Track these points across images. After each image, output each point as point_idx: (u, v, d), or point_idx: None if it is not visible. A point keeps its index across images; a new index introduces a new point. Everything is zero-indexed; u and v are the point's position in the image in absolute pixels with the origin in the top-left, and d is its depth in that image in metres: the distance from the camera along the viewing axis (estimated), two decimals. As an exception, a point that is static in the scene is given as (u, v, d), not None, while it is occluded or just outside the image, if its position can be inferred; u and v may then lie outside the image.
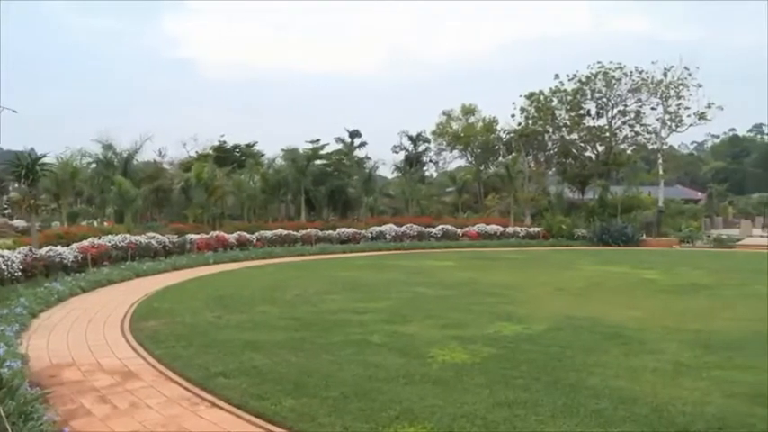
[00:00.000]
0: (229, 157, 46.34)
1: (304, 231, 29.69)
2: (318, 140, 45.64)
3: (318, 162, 43.87)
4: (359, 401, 6.30)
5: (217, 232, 26.05)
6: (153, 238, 22.05)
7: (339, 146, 51.61)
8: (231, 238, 25.83)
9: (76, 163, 31.99)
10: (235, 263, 22.47)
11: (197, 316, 11.32)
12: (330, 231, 30.81)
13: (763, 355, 8.43)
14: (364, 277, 18.15)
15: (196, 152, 49.60)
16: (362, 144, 53.49)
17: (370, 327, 10.28)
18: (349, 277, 18.08)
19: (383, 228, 32.51)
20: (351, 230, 31.40)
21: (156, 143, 57.55)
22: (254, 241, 26.91)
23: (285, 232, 28.72)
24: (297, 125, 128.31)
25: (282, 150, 42.10)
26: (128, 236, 21.02)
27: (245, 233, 27.08)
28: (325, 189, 41.81)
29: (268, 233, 28.11)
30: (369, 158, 47.76)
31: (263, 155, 47.67)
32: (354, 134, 53.63)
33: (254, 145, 50.62)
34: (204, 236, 24.88)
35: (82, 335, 9.81)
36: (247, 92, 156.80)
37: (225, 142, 49.51)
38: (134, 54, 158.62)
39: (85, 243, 18.56)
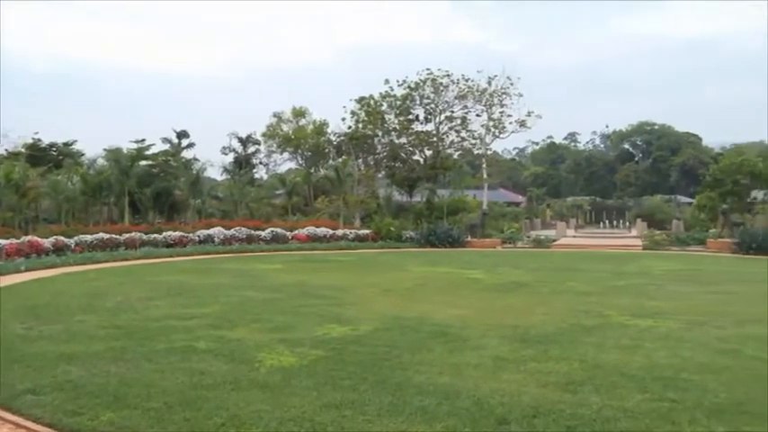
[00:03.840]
0: (45, 157, 43.61)
1: (128, 235, 28.32)
2: (144, 140, 43.95)
3: (144, 163, 42.09)
4: (183, 411, 6.09)
5: (30, 237, 24.25)
6: (-46, 244, 20.22)
7: (166, 146, 50.11)
8: (47, 242, 24.14)
9: None
10: (51, 269, 20.97)
11: (4, 328, 10.38)
12: (156, 235, 29.60)
13: (574, 347, 9.09)
14: (190, 282, 17.61)
15: (6, 150, 46.18)
16: (190, 145, 52.34)
17: (196, 333, 9.99)
18: (175, 282, 17.46)
19: (211, 231, 31.68)
20: (177, 234, 30.33)
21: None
22: (73, 246, 25.32)
23: (107, 236, 27.24)
24: (123, 125, 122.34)
25: (105, 150, 40.16)
26: None
27: (62, 237, 25.40)
28: (150, 191, 40.14)
29: (88, 237, 26.55)
30: (197, 160, 46.59)
31: (83, 154, 45.32)
32: (182, 135, 52.30)
33: (72, 144, 48.10)
34: (15, 241, 23.06)
35: None
36: (68, 88, 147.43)
37: (40, 140, 46.54)
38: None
39: None
